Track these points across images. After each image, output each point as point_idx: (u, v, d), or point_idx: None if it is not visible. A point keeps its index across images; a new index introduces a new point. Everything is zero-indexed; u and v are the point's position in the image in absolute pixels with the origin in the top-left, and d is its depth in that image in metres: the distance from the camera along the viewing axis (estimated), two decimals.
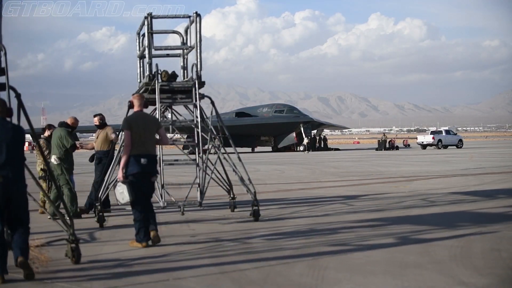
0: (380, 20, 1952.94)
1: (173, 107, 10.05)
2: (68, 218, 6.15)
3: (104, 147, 10.28)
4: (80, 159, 16.83)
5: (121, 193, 6.92)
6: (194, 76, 9.34)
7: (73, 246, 5.96)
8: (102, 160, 10.19)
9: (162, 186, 8.95)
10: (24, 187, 5.56)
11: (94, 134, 10.94)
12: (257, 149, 55.64)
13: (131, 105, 7.50)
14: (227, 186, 10.30)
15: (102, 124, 10.49)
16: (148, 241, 6.92)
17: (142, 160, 6.90)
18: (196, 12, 9.26)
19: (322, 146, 56.04)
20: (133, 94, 7.62)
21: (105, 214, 9.04)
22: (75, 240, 5.96)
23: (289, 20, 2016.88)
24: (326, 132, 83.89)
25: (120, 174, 6.96)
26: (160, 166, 8.93)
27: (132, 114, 7.28)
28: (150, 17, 9.24)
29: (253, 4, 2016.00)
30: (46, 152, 9.96)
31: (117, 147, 10.03)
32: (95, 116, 10.63)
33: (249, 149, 53.21)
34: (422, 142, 50.31)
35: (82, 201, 11.82)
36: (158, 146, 8.07)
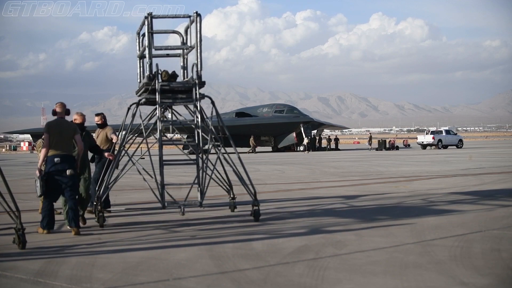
0: (381, 20, 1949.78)
1: (173, 107, 10.04)
2: (16, 211, 6.91)
3: (104, 147, 10.28)
4: None
5: (37, 187, 7.99)
6: (195, 76, 9.34)
7: (20, 234, 6.86)
8: (102, 158, 10.19)
9: (162, 186, 8.95)
10: None
11: (94, 134, 10.93)
12: (257, 149, 55.66)
13: (54, 112, 8.34)
14: (227, 186, 10.29)
15: (103, 124, 10.49)
16: (50, 229, 8.05)
17: (56, 159, 8.04)
18: (196, 12, 9.25)
19: (336, 147, 56.26)
20: (58, 103, 8.45)
21: (105, 214, 9.04)
22: (21, 229, 6.87)
23: (290, 20, 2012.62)
24: (327, 132, 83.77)
25: (37, 170, 8.05)
26: (160, 166, 8.94)
27: (53, 120, 8.34)
28: (150, 17, 9.23)
29: (255, 5, 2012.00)
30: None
31: (116, 147, 10.03)
32: (96, 115, 10.63)
33: (249, 149, 53.16)
34: (422, 142, 50.34)
35: None
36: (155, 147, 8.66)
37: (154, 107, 9.60)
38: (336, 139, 58.32)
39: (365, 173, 20.06)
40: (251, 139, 49.46)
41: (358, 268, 5.66)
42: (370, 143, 53.92)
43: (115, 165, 9.51)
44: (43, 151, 8.06)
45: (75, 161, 8.34)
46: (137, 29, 10.11)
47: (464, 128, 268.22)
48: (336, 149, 55.63)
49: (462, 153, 38.20)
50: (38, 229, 8.15)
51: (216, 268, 5.78)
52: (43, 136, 10.50)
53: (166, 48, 9.95)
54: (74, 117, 9.21)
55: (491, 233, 7.49)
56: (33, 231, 8.15)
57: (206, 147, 9.71)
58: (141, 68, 10.19)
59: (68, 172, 8.07)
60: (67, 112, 8.38)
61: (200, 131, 9.19)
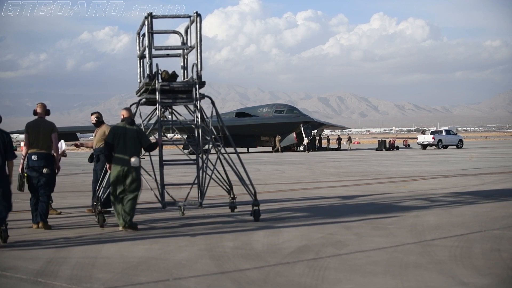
0: (382, 20, 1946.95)
1: (173, 107, 10.04)
2: None
3: (101, 145, 10.26)
4: (81, 159, 16.86)
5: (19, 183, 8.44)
6: (195, 76, 9.34)
7: (2, 229, 7.22)
8: (100, 157, 10.18)
9: (162, 186, 8.95)
10: None
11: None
12: (257, 149, 55.67)
13: (35, 112, 8.78)
14: (227, 186, 10.29)
15: (99, 122, 10.49)
16: (41, 221, 8.42)
17: (33, 157, 8.52)
18: (196, 12, 9.25)
19: (338, 147, 56.08)
20: (39, 103, 8.94)
21: (105, 214, 9.03)
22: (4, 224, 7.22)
23: (291, 20, 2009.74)
24: (327, 132, 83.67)
25: (19, 167, 8.51)
26: (160, 166, 8.94)
27: (32, 121, 8.77)
28: (150, 17, 9.24)
29: (256, 5, 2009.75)
30: None
31: None
32: (92, 114, 10.62)
33: (245, 149, 52.87)
34: (422, 142, 50.32)
35: (85, 201, 11.88)
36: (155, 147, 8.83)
37: (154, 107, 9.60)
38: (339, 139, 58.18)
39: (365, 173, 20.06)
40: (277, 138, 49.89)
41: (358, 268, 5.66)
42: (349, 144, 54.35)
43: None
44: (24, 149, 8.63)
45: (53, 159, 8.72)
46: (137, 29, 10.13)
47: (464, 128, 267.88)
48: (339, 149, 55.53)
49: (462, 153, 38.19)
50: (32, 225, 8.50)
51: (216, 268, 5.78)
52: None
53: (166, 48, 9.95)
54: (121, 113, 8.69)
55: (491, 233, 7.49)
56: (34, 231, 8.16)
57: (206, 147, 9.71)
58: (141, 68, 10.20)
59: (44, 170, 8.53)
60: (47, 112, 8.85)
61: (200, 131, 9.19)
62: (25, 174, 8.52)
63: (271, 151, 52.00)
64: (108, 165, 8.66)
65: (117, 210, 8.33)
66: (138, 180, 8.39)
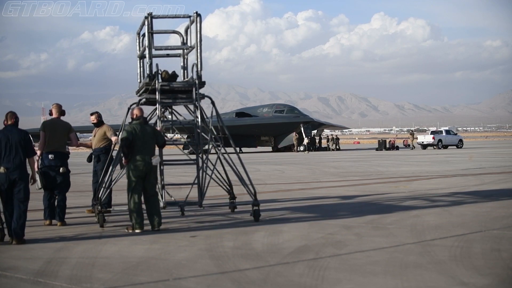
0: (383, 20, 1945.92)
1: (173, 107, 10.04)
2: None
3: (102, 145, 10.27)
4: (81, 159, 16.86)
5: (37, 181, 8.48)
6: (195, 76, 9.34)
7: (0, 227, 7.39)
8: (101, 157, 10.17)
9: (162, 186, 8.95)
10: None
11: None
12: (257, 149, 55.63)
13: (50, 112, 9.15)
14: (227, 186, 10.29)
15: (99, 122, 10.49)
16: (53, 219, 8.79)
17: (50, 156, 8.76)
18: (196, 12, 9.26)
19: (337, 147, 55.80)
20: (54, 104, 9.30)
21: (105, 214, 9.03)
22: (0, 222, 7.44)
23: (292, 20, 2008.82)
24: (327, 131, 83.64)
25: (35, 166, 8.56)
26: (160, 166, 8.94)
27: (48, 120, 9.11)
28: (150, 17, 9.24)
29: (257, 5, 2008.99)
30: None
31: (116, 147, 10.02)
32: (92, 114, 10.62)
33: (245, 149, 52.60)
34: (422, 142, 50.31)
35: (85, 201, 11.88)
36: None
37: (154, 107, 9.60)
38: (337, 139, 58.03)
39: (365, 173, 20.06)
40: (294, 137, 49.62)
41: (358, 268, 5.66)
42: (336, 144, 54.46)
43: (116, 164, 9.49)
44: (39, 151, 8.70)
45: (67, 158, 9.05)
46: (137, 29, 10.13)
47: (464, 128, 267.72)
48: (337, 149, 55.42)
49: (462, 153, 38.18)
50: (44, 223, 8.81)
51: (216, 268, 5.78)
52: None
53: (166, 48, 9.95)
54: (134, 112, 8.58)
55: (491, 233, 7.50)
56: (34, 231, 8.17)
57: (206, 147, 9.70)
58: (141, 68, 10.20)
59: (61, 169, 8.82)
60: (63, 112, 9.16)
61: (200, 131, 9.19)
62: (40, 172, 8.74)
63: (271, 151, 52.01)
64: (124, 160, 8.32)
65: (134, 211, 8.11)
66: (157, 178, 8.56)
